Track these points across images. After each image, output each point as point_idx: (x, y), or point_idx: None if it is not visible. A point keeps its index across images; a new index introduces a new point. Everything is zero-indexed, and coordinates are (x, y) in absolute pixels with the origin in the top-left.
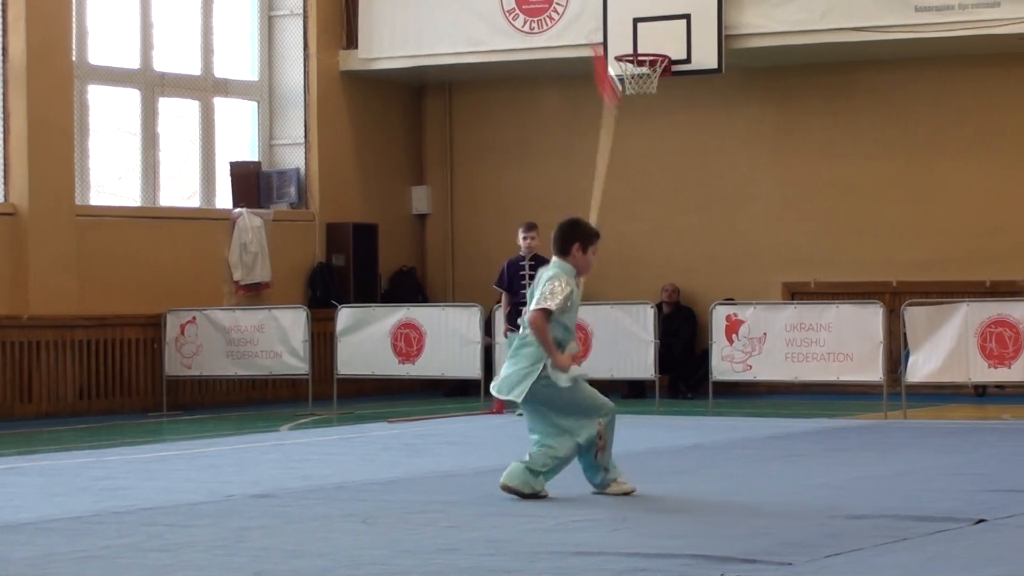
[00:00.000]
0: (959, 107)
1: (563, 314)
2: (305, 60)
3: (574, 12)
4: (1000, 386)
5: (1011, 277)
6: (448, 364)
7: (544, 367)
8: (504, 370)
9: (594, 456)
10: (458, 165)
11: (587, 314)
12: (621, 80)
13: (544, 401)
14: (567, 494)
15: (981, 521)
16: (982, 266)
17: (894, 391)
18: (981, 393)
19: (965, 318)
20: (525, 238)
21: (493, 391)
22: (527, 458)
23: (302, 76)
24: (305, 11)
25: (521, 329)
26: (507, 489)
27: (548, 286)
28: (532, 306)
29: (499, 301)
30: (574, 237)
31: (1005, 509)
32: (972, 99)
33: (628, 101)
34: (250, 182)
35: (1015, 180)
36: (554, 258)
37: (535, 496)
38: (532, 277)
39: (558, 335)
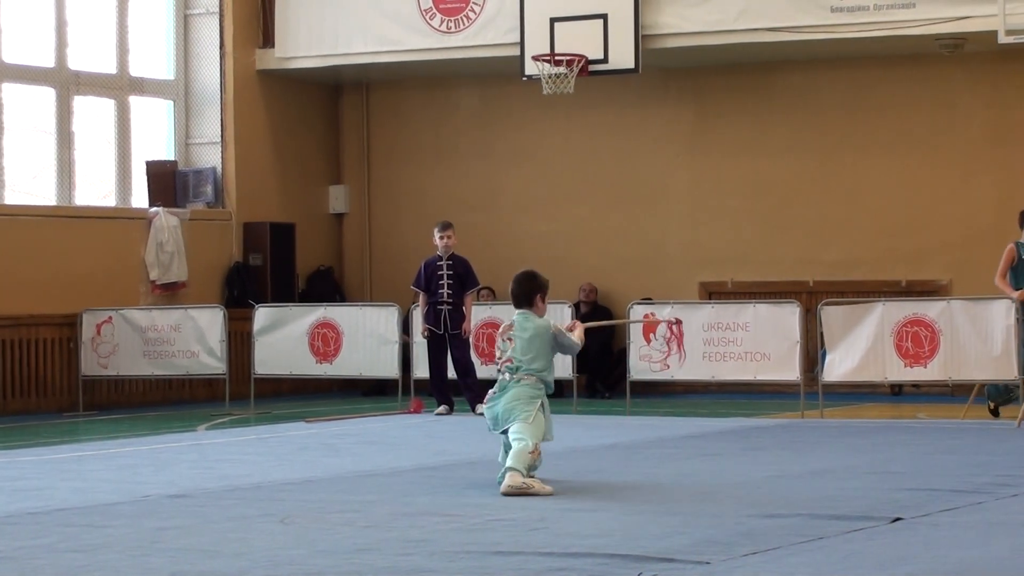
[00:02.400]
0: (875, 107)
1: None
2: (221, 59)
3: (491, 11)
4: (916, 385)
5: (926, 277)
6: (366, 364)
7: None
8: (502, 404)
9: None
10: (375, 164)
11: (505, 314)
12: (539, 80)
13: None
14: (484, 493)
15: (897, 520)
16: (898, 266)
17: (811, 390)
18: (897, 392)
19: (881, 317)
20: (442, 237)
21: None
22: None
23: (218, 75)
24: (221, 10)
25: (507, 375)
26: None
27: (561, 336)
28: (569, 352)
29: (416, 301)
30: (536, 289)
31: (920, 508)
32: (888, 99)
33: (546, 101)
34: (166, 181)
35: (930, 180)
36: (520, 311)
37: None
38: (450, 276)
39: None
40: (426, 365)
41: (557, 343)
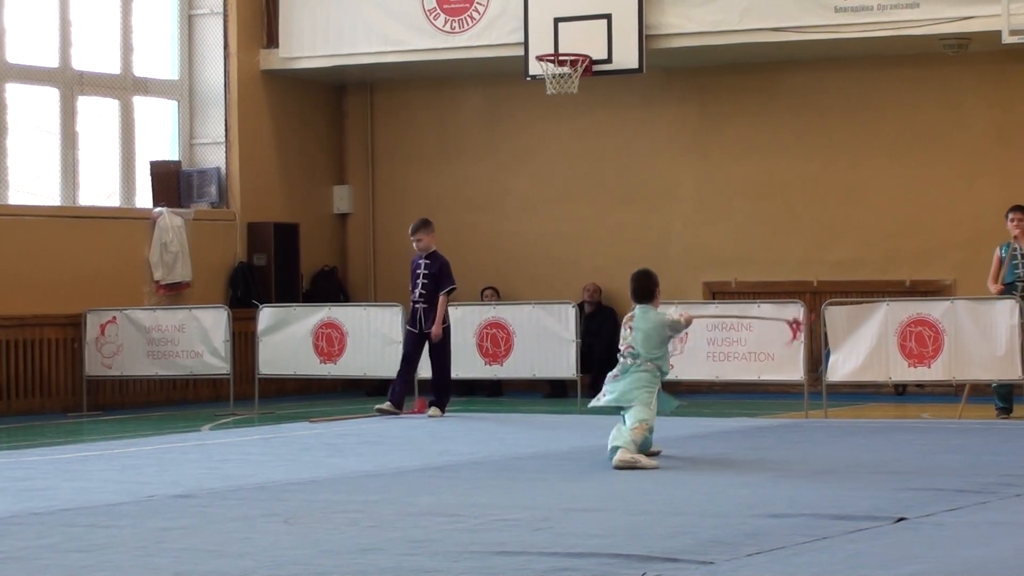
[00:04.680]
0: (879, 107)
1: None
2: (225, 59)
3: (495, 12)
4: (920, 385)
5: (931, 277)
6: (370, 364)
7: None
8: (624, 384)
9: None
10: (380, 164)
11: (509, 314)
12: (543, 80)
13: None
14: (488, 493)
15: (901, 519)
16: (902, 266)
17: (815, 390)
18: (901, 392)
19: (885, 317)
20: (413, 241)
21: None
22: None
23: (222, 75)
24: (225, 10)
25: (628, 360)
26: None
27: (673, 326)
28: (680, 332)
29: None
30: (654, 285)
31: (925, 507)
32: (892, 99)
33: (550, 101)
34: (170, 181)
35: (935, 180)
36: (639, 306)
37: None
38: (425, 276)
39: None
40: (428, 365)
41: (671, 332)
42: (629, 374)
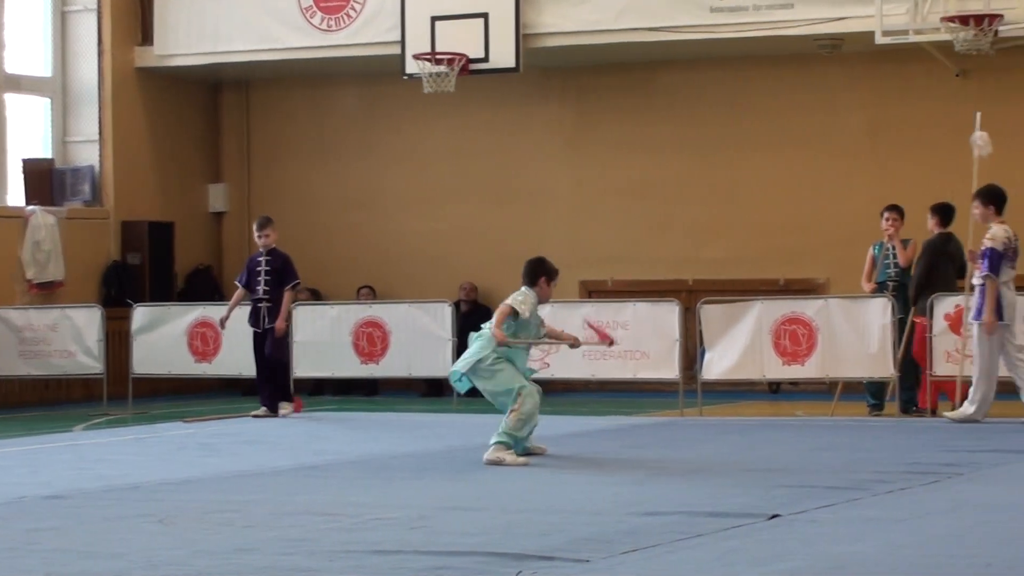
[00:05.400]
0: (754, 107)
1: (520, 327)
2: (99, 56)
3: (372, 10)
4: (794, 383)
5: (805, 275)
6: (245, 363)
7: (491, 352)
8: (470, 351)
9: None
10: (256, 163)
11: (385, 313)
12: (420, 78)
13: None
14: (364, 492)
15: (775, 517)
16: (777, 265)
17: (690, 388)
18: (775, 390)
19: (759, 316)
20: (259, 236)
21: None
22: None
23: (96, 72)
24: (99, 7)
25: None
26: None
27: (520, 297)
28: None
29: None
30: (541, 272)
31: (798, 504)
32: (767, 99)
33: (427, 99)
34: (43, 179)
35: (809, 180)
36: (524, 287)
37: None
38: (267, 272)
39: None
40: (307, 364)
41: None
42: (475, 341)
